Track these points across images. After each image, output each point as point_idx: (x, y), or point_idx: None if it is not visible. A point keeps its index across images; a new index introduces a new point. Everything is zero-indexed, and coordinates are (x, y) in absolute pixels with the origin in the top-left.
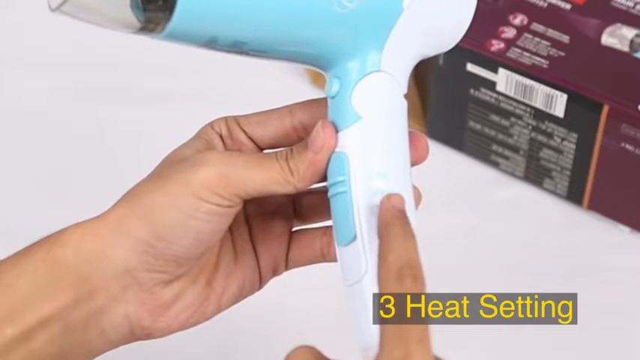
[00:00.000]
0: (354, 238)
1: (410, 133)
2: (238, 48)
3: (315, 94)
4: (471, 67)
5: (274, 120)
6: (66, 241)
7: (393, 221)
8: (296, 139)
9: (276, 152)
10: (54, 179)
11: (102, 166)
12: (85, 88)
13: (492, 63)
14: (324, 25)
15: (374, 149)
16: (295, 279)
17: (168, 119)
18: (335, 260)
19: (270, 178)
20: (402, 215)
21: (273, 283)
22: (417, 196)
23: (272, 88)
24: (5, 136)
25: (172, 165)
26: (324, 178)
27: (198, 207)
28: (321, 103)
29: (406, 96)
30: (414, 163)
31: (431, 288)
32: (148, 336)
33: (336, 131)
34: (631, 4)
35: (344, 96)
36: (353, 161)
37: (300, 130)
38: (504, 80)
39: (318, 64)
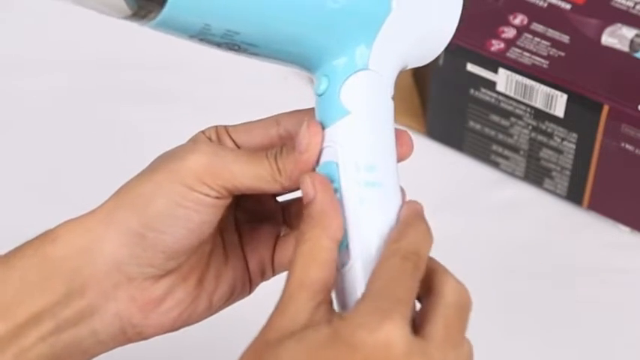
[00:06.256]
0: (346, 247)
1: (395, 130)
2: (230, 39)
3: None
4: (470, 67)
5: (260, 129)
6: (56, 236)
7: (419, 217)
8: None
9: (267, 151)
10: (52, 179)
11: (101, 166)
12: (85, 88)
13: (492, 63)
14: (316, 19)
15: (362, 141)
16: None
17: (167, 120)
18: None
19: (259, 174)
20: (421, 215)
21: (268, 288)
22: (403, 195)
23: (273, 90)
24: (4, 135)
25: (163, 158)
26: None
27: (186, 195)
28: (308, 112)
29: (393, 98)
30: (400, 159)
31: None
32: (139, 335)
33: (324, 128)
34: (631, 4)
35: (333, 92)
36: (342, 155)
37: (286, 138)
38: (504, 80)
39: (306, 63)
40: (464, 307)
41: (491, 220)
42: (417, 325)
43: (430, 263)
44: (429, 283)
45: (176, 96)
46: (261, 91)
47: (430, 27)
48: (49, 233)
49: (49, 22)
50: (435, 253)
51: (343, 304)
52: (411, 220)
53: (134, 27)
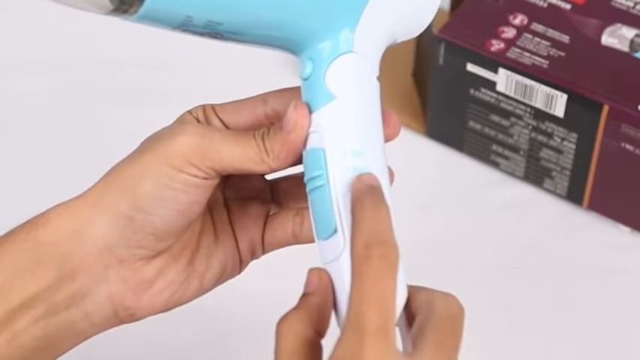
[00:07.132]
0: (335, 231)
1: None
2: (212, 29)
3: None
4: (470, 67)
5: (247, 108)
6: (47, 220)
7: (362, 198)
8: (268, 126)
9: (255, 131)
10: (50, 179)
11: (98, 166)
12: (82, 89)
13: (492, 63)
14: (299, 5)
15: (348, 127)
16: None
17: (164, 120)
18: (306, 242)
19: (246, 155)
20: (371, 190)
21: (262, 268)
22: (391, 176)
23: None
24: (4, 136)
25: (152, 139)
26: (301, 160)
27: (174, 176)
28: (294, 91)
29: (379, 78)
30: (386, 140)
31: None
32: (131, 316)
33: (310, 112)
34: (631, 4)
35: (317, 76)
36: (328, 141)
37: (274, 117)
38: (504, 80)
39: (291, 47)
40: (454, 315)
41: (492, 220)
42: (413, 342)
43: (410, 289)
44: (414, 305)
45: (173, 96)
46: (260, 92)
47: (413, 4)
48: (40, 217)
49: (45, 23)
50: (434, 253)
51: (335, 302)
52: (356, 204)
53: (130, 27)
